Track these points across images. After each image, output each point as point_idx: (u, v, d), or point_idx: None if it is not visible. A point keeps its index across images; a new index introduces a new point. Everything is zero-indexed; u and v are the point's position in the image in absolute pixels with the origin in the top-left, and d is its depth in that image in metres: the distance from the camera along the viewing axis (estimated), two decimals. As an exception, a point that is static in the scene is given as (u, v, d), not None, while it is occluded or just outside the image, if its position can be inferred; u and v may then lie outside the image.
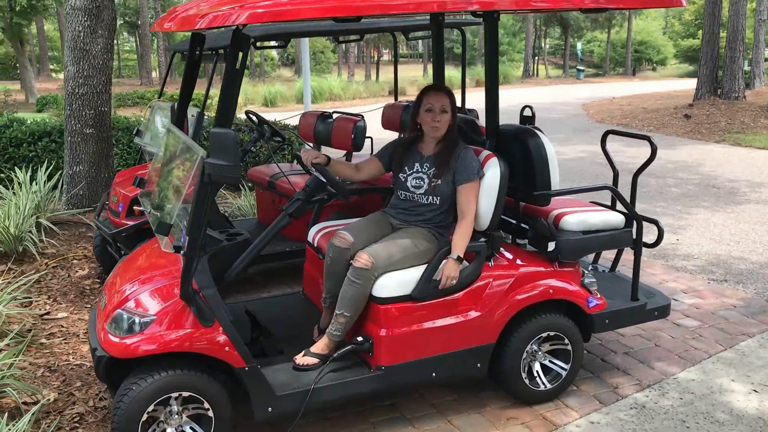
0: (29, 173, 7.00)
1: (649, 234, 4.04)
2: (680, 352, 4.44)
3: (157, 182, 3.79)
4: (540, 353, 3.77)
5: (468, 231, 3.52)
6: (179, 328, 3.10)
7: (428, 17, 4.59)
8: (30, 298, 5.17)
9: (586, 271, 3.92)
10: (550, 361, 3.82)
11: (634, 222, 3.93)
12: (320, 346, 3.49)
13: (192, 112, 5.12)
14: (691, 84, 23.19)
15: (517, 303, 3.60)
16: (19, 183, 6.69)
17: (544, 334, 3.72)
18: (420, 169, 3.67)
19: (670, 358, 4.36)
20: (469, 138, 4.11)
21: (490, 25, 3.67)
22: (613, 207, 4.19)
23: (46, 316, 4.94)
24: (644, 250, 4.10)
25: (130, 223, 5.02)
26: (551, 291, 3.68)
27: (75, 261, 5.95)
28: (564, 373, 3.79)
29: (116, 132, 8.54)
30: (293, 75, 42.20)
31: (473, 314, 3.54)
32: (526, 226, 3.90)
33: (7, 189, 6.69)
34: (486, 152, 3.65)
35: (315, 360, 3.44)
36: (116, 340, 3.11)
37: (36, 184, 6.65)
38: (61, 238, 6.42)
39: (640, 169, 4.19)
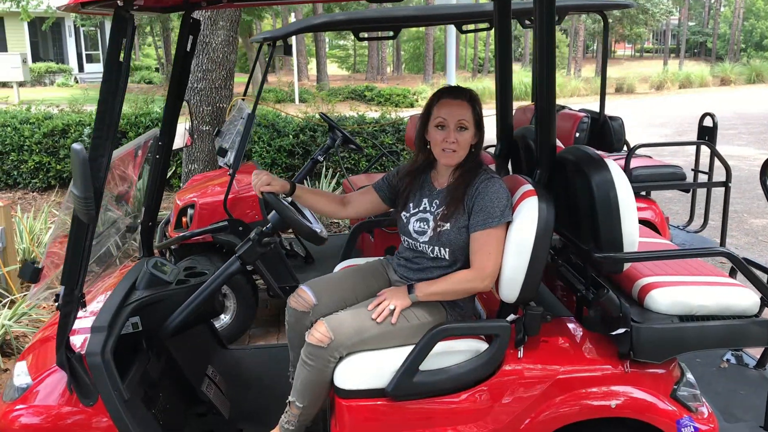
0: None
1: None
2: None
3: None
4: (599, 492, 2.50)
5: (464, 281, 2.44)
6: (52, 403, 2.36)
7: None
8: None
9: (689, 375, 2.55)
10: (616, 505, 2.53)
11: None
12: (269, 439, 2.57)
13: (242, 113, 4.42)
14: None
15: (552, 419, 2.38)
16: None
17: (602, 468, 2.45)
18: (428, 208, 2.58)
19: None
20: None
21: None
22: None
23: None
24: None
25: (175, 235, 4.44)
26: (613, 405, 2.40)
27: (159, 267, 5.55)
28: None
29: (259, 128, 8.20)
30: (520, 69, 40.55)
31: (480, 428, 2.39)
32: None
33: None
34: (526, 187, 2.46)
35: (257, 458, 2.53)
36: (2, 401, 2.48)
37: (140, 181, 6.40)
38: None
39: None
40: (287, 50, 4.38)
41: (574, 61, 36.71)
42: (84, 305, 2.36)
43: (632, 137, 14.32)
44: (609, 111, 5.35)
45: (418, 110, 18.13)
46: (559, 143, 3.25)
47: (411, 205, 2.62)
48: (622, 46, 61.40)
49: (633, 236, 2.39)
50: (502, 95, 3.17)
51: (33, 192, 8.70)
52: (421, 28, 37.55)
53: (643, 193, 5.01)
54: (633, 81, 28.22)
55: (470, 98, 2.49)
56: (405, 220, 2.62)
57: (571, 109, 5.25)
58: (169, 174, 7.93)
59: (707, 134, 5.30)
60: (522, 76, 25.40)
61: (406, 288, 2.50)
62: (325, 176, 7.69)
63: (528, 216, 2.36)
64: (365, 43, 46.65)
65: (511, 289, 2.40)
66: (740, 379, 2.94)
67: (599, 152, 5.10)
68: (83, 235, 2.22)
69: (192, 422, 2.84)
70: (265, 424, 2.70)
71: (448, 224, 2.47)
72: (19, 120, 8.77)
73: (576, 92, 25.45)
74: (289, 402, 2.52)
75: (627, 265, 2.49)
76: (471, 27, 5.41)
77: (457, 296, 2.50)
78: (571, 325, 2.66)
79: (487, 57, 42.55)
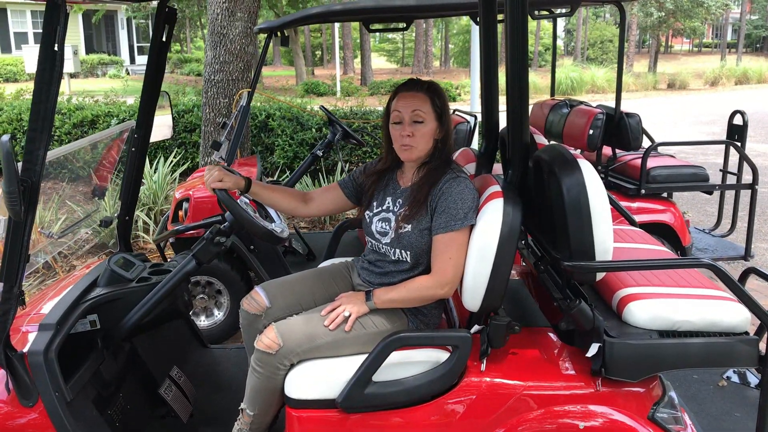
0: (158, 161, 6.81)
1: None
2: None
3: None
4: None
5: (422, 288, 2.29)
6: (-8, 401, 2.30)
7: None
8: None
9: (672, 394, 2.35)
10: None
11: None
12: (221, 446, 2.47)
13: (240, 103, 4.32)
14: None
15: (512, 438, 2.21)
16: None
17: (569, 494, 2.26)
18: (391, 207, 2.43)
19: None
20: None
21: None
22: None
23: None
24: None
25: (172, 228, 4.38)
26: (581, 426, 2.22)
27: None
28: None
29: (282, 121, 8.13)
30: (573, 63, 39.48)
31: (436, 444, 2.24)
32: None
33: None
34: (494, 188, 2.28)
35: (208, 466, 2.43)
36: None
37: (156, 173, 6.40)
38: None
39: None
40: (284, 41, 4.27)
41: (626, 56, 35.69)
42: (23, 302, 2.29)
43: (676, 135, 13.78)
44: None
45: (459, 104, 17.72)
46: (542, 140, 3.06)
47: (375, 203, 2.47)
48: (680, 41, 59.67)
49: (606, 244, 2.19)
50: (486, 91, 2.98)
51: (63, 182, 8.81)
52: (470, 21, 37.07)
53: (664, 194, 4.76)
54: (686, 77, 27.31)
55: (429, 90, 2.34)
56: (368, 220, 2.47)
57: (588, 104, 5.01)
58: (187, 166, 7.92)
59: (737, 133, 5.00)
60: (569, 70, 24.86)
61: (364, 294, 2.36)
62: (341, 173, 7.56)
63: (492, 219, 2.19)
64: (413, 37, 46.37)
65: (473, 296, 2.23)
66: (738, 400, 2.71)
67: (619, 151, 4.89)
68: (20, 232, 2.14)
69: (154, 424, 2.76)
70: (228, 428, 2.60)
71: (410, 226, 2.31)
72: (51, 110, 8.90)
73: (625, 87, 24.71)
74: (241, 409, 2.41)
75: (601, 275, 2.30)
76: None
77: (417, 303, 2.34)
78: (547, 337, 2.48)
79: (537, 51, 41.70)
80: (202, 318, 4.24)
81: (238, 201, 2.48)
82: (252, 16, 6.52)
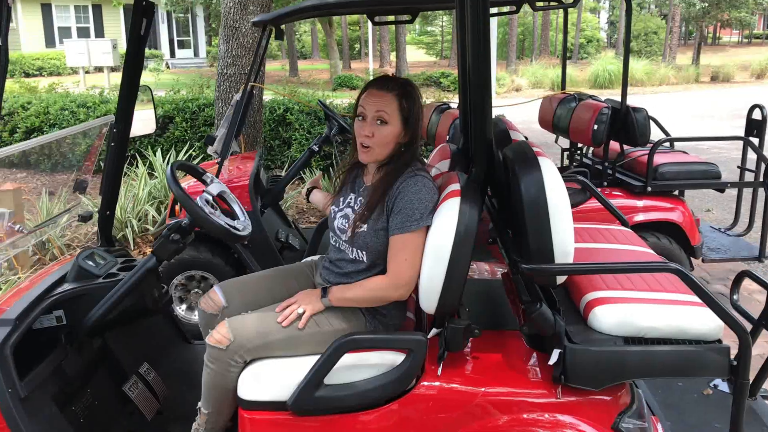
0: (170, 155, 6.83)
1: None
2: None
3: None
4: None
5: (377, 289, 2.23)
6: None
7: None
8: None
9: (642, 402, 2.24)
10: None
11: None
12: (179, 446, 2.44)
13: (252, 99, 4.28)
14: None
15: (466, 446, 2.13)
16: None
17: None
18: (351, 204, 2.37)
19: None
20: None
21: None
22: None
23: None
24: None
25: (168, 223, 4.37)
26: (539, 436, 2.13)
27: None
28: None
29: (301, 115, 8.11)
30: (615, 55, 38.44)
31: (389, 450, 2.17)
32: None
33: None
34: (453, 186, 2.20)
35: (165, 466, 2.40)
36: None
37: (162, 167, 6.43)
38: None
39: None
40: (278, 35, 4.22)
41: (669, 48, 34.84)
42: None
43: (701, 130, 13.34)
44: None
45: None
46: (518, 135, 2.95)
47: (341, 199, 2.42)
48: (729, 32, 58.05)
49: (566, 246, 2.08)
50: (463, 86, 2.89)
51: (86, 174, 8.95)
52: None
53: (676, 192, 4.59)
54: (731, 69, 26.48)
55: (399, 91, 2.24)
56: (333, 215, 2.42)
57: (596, 98, 4.85)
58: (201, 159, 7.95)
59: (756, 128, 4.81)
60: (607, 63, 24.34)
61: (320, 291, 2.30)
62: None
63: (447, 219, 2.11)
64: (451, 29, 45.93)
65: (428, 298, 2.16)
66: (720, 409, 2.58)
67: (626, 147, 4.73)
68: None
69: (122, 421, 2.75)
70: None
71: (366, 225, 2.25)
72: (77, 104, 9.04)
73: (665, 80, 24.08)
74: (198, 408, 2.38)
75: (562, 278, 2.20)
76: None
77: (372, 304, 2.28)
78: (513, 342, 2.39)
79: (577, 43, 40.91)
80: (197, 313, 4.23)
81: (197, 198, 2.44)
82: (265, 9, 6.49)
